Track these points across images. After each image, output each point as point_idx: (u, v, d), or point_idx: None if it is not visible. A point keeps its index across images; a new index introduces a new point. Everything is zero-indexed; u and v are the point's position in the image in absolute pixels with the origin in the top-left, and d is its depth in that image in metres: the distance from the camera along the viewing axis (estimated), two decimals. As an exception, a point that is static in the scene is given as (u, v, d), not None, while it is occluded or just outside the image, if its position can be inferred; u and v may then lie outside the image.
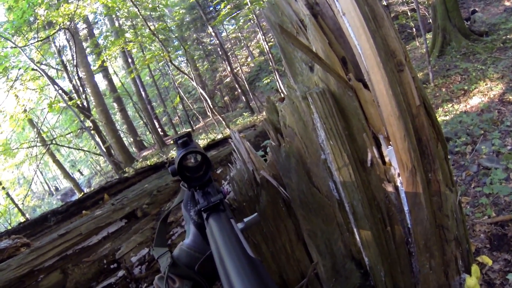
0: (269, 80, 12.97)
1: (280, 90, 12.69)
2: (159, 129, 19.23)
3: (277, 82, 12.22)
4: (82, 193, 12.98)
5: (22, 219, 12.17)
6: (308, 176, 1.34)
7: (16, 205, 11.54)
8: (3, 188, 12.70)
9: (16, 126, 13.70)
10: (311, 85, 1.27)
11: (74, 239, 2.15)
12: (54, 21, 10.71)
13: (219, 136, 11.49)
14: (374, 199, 1.22)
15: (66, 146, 14.11)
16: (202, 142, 12.50)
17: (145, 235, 2.44)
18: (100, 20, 19.91)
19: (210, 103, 11.52)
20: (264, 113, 11.20)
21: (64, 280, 2.02)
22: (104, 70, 18.33)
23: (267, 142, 5.72)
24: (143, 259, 2.36)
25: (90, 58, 16.76)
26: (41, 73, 12.18)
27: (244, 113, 12.39)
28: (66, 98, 12.48)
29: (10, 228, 2.85)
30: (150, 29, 12.76)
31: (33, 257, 1.97)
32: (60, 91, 12.72)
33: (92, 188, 17.98)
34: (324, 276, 1.43)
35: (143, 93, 19.23)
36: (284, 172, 1.39)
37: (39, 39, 11.27)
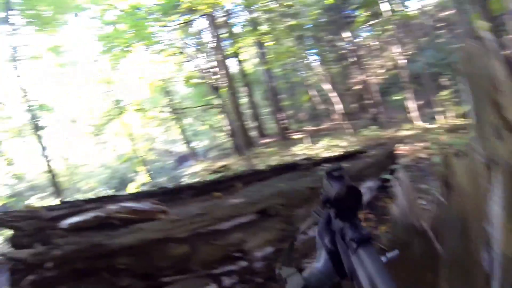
0: (400, 97, 12.29)
1: (407, 111, 12.03)
2: (284, 121, 19.61)
3: (407, 102, 11.57)
4: (199, 161, 14.06)
5: (141, 168, 13.74)
6: (466, 239, 1.28)
7: (139, 157, 12.86)
8: (132, 139, 14.29)
9: (152, 91, 15.22)
10: (495, 152, 1.20)
11: (209, 220, 2.34)
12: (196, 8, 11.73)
13: (344, 143, 11.30)
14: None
15: (192, 118, 15.37)
16: (326, 145, 12.24)
17: (272, 234, 2.52)
18: (239, 10, 21.02)
19: (341, 107, 11.42)
20: (391, 130, 10.68)
21: (191, 254, 2.20)
22: (237, 55, 19.31)
23: (397, 167, 5.44)
24: (267, 256, 2.42)
25: (225, 43, 17.76)
26: (181, 51, 13.55)
27: (372, 126, 11.96)
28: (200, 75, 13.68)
29: (151, 190, 3.13)
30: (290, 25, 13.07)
31: (171, 226, 2.19)
32: (197, 69, 13.96)
33: (204, 159, 19.36)
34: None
35: (273, 83, 19.79)
36: (443, 227, 1.39)
37: (183, 21, 12.39)
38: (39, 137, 12.41)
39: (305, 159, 4.36)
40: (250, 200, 2.68)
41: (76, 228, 2.27)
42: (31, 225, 2.28)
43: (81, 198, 2.98)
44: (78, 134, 25.00)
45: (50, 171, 11.14)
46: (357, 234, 0.76)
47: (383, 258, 0.88)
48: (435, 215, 1.47)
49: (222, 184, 3.27)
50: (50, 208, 2.55)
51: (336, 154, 5.31)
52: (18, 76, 11.81)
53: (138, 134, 18.14)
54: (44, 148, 12.12)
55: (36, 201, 15.13)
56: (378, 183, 4.96)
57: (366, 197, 4.29)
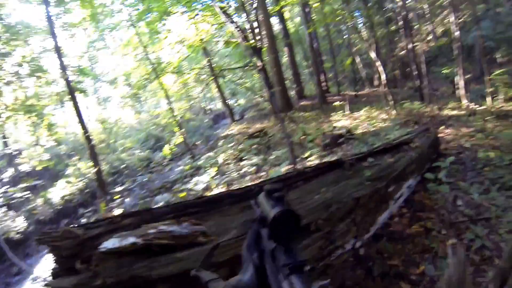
0: (448, 71, 11.56)
1: (455, 87, 11.34)
2: (323, 83, 19.20)
3: (456, 76, 10.89)
4: (234, 121, 14.19)
5: (177, 129, 14.08)
6: None
7: (175, 117, 13.10)
8: (169, 101, 14.52)
9: (192, 51, 15.16)
10: None
11: None
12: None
13: (383, 116, 11.02)
14: None
15: (231, 81, 15.31)
16: (365, 116, 11.96)
17: (311, 253, 2.54)
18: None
19: (384, 75, 11.00)
20: (435, 107, 10.23)
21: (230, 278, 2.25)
22: (280, 14, 18.71)
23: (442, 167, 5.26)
24: None
25: (268, 1, 17.19)
26: (219, 12, 13.25)
27: (415, 101, 11.42)
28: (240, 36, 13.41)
29: (188, 201, 3.12)
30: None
31: (219, 251, 2.22)
32: (237, 30, 13.66)
33: (241, 119, 19.51)
34: None
35: (315, 44, 19.20)
36: None
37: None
38: (78, 100, 12.88)
39: (348, 157, 4.26)
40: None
41: (114, 252, 2.30)
42: (69, 244, 2.41)
43: (119, 214, 3.02)
44: (116, 96, 25.79)
45: (87, 133, 11.59)
46: (291, 261, 0.76)
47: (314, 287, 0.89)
48: None
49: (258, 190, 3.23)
50: (87, 227, 2.63)
51: (381, 146, 5.11)
52: (58, 42, 12.10)
53: (176, 94, 18.35)
54: (83, 112, 12.62)
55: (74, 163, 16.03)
56: (419, 178, 4.88)
57: (399, 202, 4.24)
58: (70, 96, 12.08)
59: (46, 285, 2.25)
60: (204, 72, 17.10)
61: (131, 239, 2.35)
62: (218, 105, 36.60)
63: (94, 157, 11.75)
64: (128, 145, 17.93)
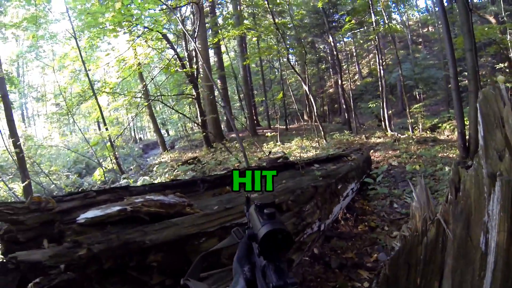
0: (374, 105, 12.70)
1: (382, 119, 12.40)
2: (254, 117, 19.69)
3: (381, 110, 11.97)
4: (166, 151, 13.72)
5: (109, 153, 13.37)
6: (467, 228, 1.72)
7: (111, 142, 12.53)
8: (105, 123, 13.85)
9: (128, 75, 14.83)
10: (496, 169, 1.72)
11: (235, 215, 2.41)
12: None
13: (314, 145, 11.59)
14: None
15: (168, 106, 15.12)
16: (294, 145, 12.40)
17: (288, 228, 2.65)
18: (224, 1, 20.96)
19: (314, 109, 11.61)
20: (363, 136, 11.11)
21: (221, 248, 2.23)
22: (217, 47, 19.23)
23: (378, 174, 5.81)
24: None
25: (208, 33, 17.64)
26: (163, 37, 13.34)
27: (345, 131, 12.23)
28: (179, 63, 13.54)
29: (165, 182, 3.17)
30: (275, 22, 13.23)
31: (202, 221, 2.24)
32: (176, 56, 13.80)
33: (172, 149, 19.17)
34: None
35: (247, 78, 19.83)
36: (454, 220, 1.79)
37: (168, 6, 12.15)
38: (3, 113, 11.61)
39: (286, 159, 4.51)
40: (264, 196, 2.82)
41: (95, 224, 2.08)
42: (36, 219, 2.05)
43: (94, 189, 2.80)
44: (45, 113, 23.93)
45: (18, 142, 10.53)
46: (281, 282, 0.72)
47: None
48: (446, 209, 1.83)
49: (229, 179, 3.37)
50: (58, 200, 2.31)
51: (324, 156, 5.56)
52: None
53: (108, 118, 17.61)
54: (7, 125, 11.45)
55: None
56: (358, 186, 5.27)
57: (346, 200, 4.55)
58: (1, 99, 10.90)
59: (11, 257, 1.73)
60: (139, 97, 16.74)
61: (117, 207, 2.17)
62: (148, 135, 35.92)
63: (23, 169, 10.59)
64: (54, 168, 16.53)
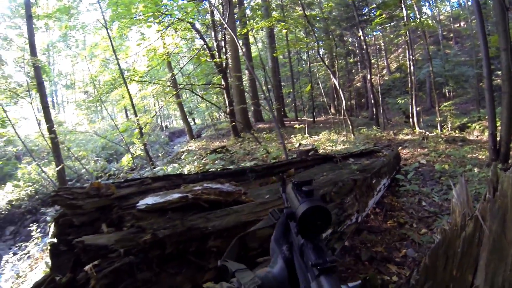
0: (402, 101, 12.63)
1: (409, 116, 12.33)
2: (281, 108, 19.77)
3: (409, 107, 11.91)
4: (193, 139, 14.00)
5: (137, 140, 13.81)
6: (503, 225, 1.85)
7: (140, 129, 12.89)
8: (135, 111, 14.27)
9: (157, 64, 15.16)
10: None
11: None
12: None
13: (342, 139, 11.68)
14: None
15: (198, 95, 15.39)
16: (323, 138, 12.45)
17: (331, 218, 2.85)
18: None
19: (343, 102, 11.65)
20: (390, 132, 11.12)
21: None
22: (245, 38, 19.35)
23: (409, 171, 5.97)
24: (328, 237, 2.79)
25: (236, 24, 17.76)
26: (192, 28, 13.58)
27: (373, 126, 12.22)
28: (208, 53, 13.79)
29: (216, 171, 3.33)
30: (305, 15, 13.29)
31: (259, 209, 2.38)
32: (205, 46, 14.04)
33: (198, 138, 19.54)
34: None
35: (276, 70, 19.90)
36: (490, 217, 1.92)
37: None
38: (37, 99, 12.03)
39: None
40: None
41: (155, 210, 2.12)
42: (93, 204, 2.11)
43: (149, 176, 2.84)
44: (75, 100, 24.69)
45: (53, 127, 10.99)
46: (320, 261, 0.72)
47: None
48: (484, 207, 1.97)
49: (276, 169, 3.61)
50: (116, 186, 2.38)
51: (358, 151, 5.75)
52: (23, 35, 11.49)
53: (137, 105, 18.05)
54: (40, 111, 11.83)
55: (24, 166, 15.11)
56: (388, 182, 5.43)
57: (379, 195, 4.73)
58: (37, 87, 11.29)
59: (77, 241, 1.73)
60: (168, 86, 17.11)
61: (177, 195, 2.24)
62: (174, 123, 36.54)
63: (57, 154, 11.08)
64: (83, 153, 17.15)
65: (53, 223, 2.09)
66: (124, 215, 2.07)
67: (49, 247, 2.05)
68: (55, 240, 2.05)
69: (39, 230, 8.38)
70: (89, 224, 2.06)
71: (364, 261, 3.54)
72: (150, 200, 2.18)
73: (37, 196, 13.82)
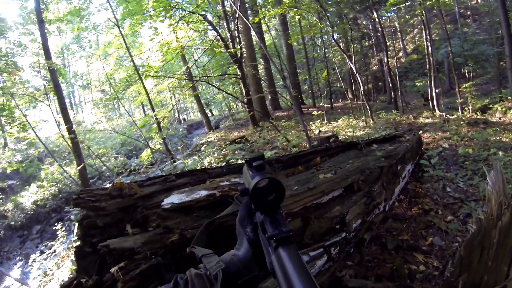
0: (420, 84, 12.41)
1: (428, 98, 12.12)
2: (298, 95, 19.66)
3: (428, 89, 11.70)
4: (211, 130, 14.13)
5: (155, 135, 14.00)
6: None
7: (158, 123, 13.04)
8: (152, 106, 14.45)
9: (171, 58, 15.25)
10: None
11: (317, 195, 2.59)
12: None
13: (361, 124, 11.62)
14: None
15: (215, 86, 15.46)
16: (342, 124, 12.39)
17: (360, 207, 2.84)
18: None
19: (361, 87, 11.54)
20: (410, 116, 10.98)
21: (304, 228, 2.34)
22: (258, 26, 19.22)
23: (433, 156, 5.91)
24: (358, 227, 2.78)
25: (249, 13, 17.63)
26: (204, 20, 13.59)
27: (392, 110, 12.06)
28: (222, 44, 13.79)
29: (242, 163, 3.18)
30: (318, 0, 13.14)
31: (289, 202, 2.39)
32: (219, 37, 14.05)
33: (217, 129, 19.66)
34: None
35: (291, 57, 19.75)
36: None
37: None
38: (55, 101, 12.26)
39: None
40: (339, 176, 2.98)
41: (181, 208, 2.07)
42: (116, 205, 2.08)
43: (172, 173, 2.75)
44: (89, 101, 25.12)
45: (72, 128, 11.24)
46: (276, 232, 0.72)
47: (306, 257, 0.93)
48: None
49: (303, 158, 3.57)
50: (139, 185, 2.33)
51: (381, 136, 5.73)
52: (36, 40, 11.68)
53: (154, 100, 18.25)
54: (59, 113, 12.09)
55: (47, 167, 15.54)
56: (412, 167, 5.43)
57: (404, 181, 4.72)
58: (54, 89, 11.58)
59: (103, 246, 1.73)
60: (184, 79, 17.22)
61: (204, 192, 2.19)
62: (191, 115, 36.78)
63: (78, 154, 11.37)
64: (103, 151, 17.53)
65: (77, 225, 2.12)
66: (148, 214, 2.04)
67: (74, 250, 2.08)
68: (79, 242, 2.08)
69: (64, 228, 8.66)
70: (113, 225, 2.06)
71: (391, 250, 3.55)
72: (175, 198, 2.16)
73: (60, 195, 14.31)
